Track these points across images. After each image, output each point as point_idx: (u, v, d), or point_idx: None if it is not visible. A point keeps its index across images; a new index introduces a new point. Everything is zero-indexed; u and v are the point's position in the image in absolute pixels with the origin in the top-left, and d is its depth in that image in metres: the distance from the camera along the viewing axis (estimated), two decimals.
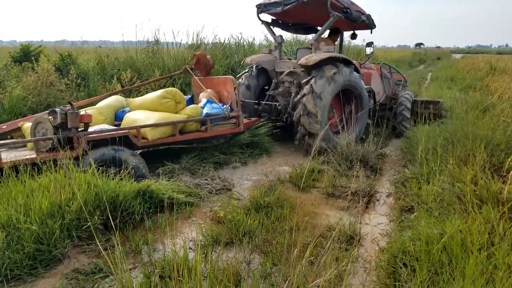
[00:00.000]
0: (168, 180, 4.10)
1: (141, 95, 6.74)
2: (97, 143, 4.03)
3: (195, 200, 3.95)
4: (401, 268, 2.52)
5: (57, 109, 3.89)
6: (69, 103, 4.12)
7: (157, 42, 9.11)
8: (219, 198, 4.08)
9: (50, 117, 3.91)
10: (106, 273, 2.60)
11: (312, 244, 2.56)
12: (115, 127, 4.52)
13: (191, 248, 3.10)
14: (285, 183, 4.63)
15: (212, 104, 5.31)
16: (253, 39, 12.64)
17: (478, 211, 2.69)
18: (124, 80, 7.64)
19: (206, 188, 4.29)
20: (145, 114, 4.78)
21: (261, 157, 5.70)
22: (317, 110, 5.47)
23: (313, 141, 5.53)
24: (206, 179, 4.51)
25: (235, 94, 5.40)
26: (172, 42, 9.36)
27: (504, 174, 3.45)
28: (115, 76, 7.80)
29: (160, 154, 5.15)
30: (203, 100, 5.39)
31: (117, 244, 2.22)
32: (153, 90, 7.76)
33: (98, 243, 2.35)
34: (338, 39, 7.42)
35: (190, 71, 6.00)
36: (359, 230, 3.35)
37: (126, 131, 4.31)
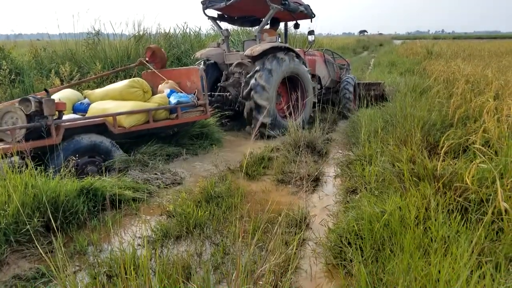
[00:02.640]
0: (116, 176, 3.99)
1: (82, 89, 6.45)
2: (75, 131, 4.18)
3: (143, 195, 3.85)
4: (346, 247, 2.61)
5: (31, 97, 3.88)
6: (45, 90, 4.15)
7: (97, 33, 8.69)
8: (169, 192, 4.01)
9: (22, 106, 3.89)
10: (49, 277, 2.48)
11: (260, 230, 2.62)
12: (91, 116, 4.58)
13: (140, 245, 3.02)
14: (236, 172, 4.64)
15: (178, 94, 5.44)
16: (199, 28, 12.41)
17: (416, 188, 2.85)
18: (63, 74, 7.24)
19: (156, 182, 4.20)
20: (116, 103, 4.83)
21: (212, 148, 5.65)
22: (266, 84, 5.92)
23: (261, 115, 5.98)
24: (155, 173, 4.41)
25: (202, 83, 5.52)
26: (113, 33, 8.97)
27: (440, 152, 3.66)
28: (53, 70, 7.36)
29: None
30: (167, 91, 5.47)
31: (59, 246, 2.12)
32: (96, 84, 7.44)
33: (39, 247, 2.23)
34: (282, 28, 7.87)
35: (146, 63, 5.96)
36: (308, 213, 3.43)
37: (104, 118, 4.41)
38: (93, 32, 8.62)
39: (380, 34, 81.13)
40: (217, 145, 5.76)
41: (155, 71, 5.82)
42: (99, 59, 8.05)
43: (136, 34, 9.15)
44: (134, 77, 5.56)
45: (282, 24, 8.12)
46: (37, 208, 2.96)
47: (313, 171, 4.34)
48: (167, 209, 3.53)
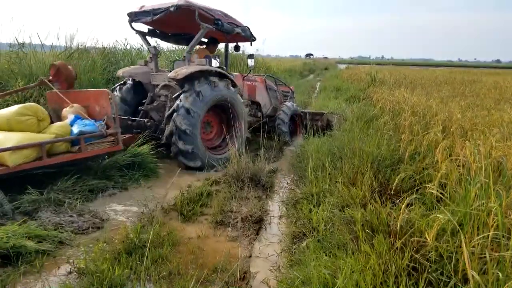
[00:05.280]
0: (19, 221, 3.29)
1: None
2: None
3: (52, 246, 3.17)
4: None
5: None
6: None
7: (22, 45, 7.75)
8: (85, 241, 3.35)
9: None
10: None
11: None
12: None
13: None
14: (169, 211, 4.07)
15: (83, 121, 4.63)
16: (142, 45, 11.73)
17: (370, 243, 2.48)
18: None
19: (70, 227, 3.52)
20: (1, 135, 3.93)
21: (145, 180, 5.03)
22: (187, 128, 5.26)
23: (188, 160, 5.41)
24: (71, 215, 3.72)
25: (112, 109, 4.79)
26: (42, 45, 8.07)
27: (392, 193, 3.37)
28: None
29: (24, 180, 4.19)
30: (70, 117, 4.65)
31: None
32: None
33: None
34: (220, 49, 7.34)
35: (49, 83, 5.09)
36: (248, 268, 2.96)
37: None
38: (17, 44, 7.66)
39: (325, 58, 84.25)
40: (151, 177, 5.15)
41: (58, 92, 4.95)
42: (22, 75, 7.15)
43: (68, 48, 8.32)
44: (34, 99, 4.73)
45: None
46: None
47: (256, 211, 3.90)
48: (77, 265, 2.88)
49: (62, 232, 3.39)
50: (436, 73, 24.26)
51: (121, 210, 4.12)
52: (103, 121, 4.77)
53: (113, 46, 10.50)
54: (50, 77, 5.16)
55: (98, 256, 2.95)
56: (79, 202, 4.01)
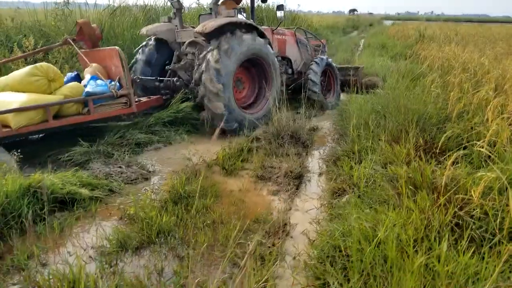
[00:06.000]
0: (75, 170, 3.53)
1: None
2: None
3: (103, 194, 3.39)
4: (330, 267, 2.23)
5: None
6: None
7: (67, 3, 7.96)
8: (134, 190, 3.55)
9: None
10: None
11: (233, 243, 2.27)
12: None
13: (91, 257, 2.60)
14: (212, 166, 4.20)
15: (97, 81, 4.54)
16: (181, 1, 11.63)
17: (412, 199, 2.46)
18: (27, 47, 6.58)
19: (119, 177, 3.74)
20: (10, 96, 3.95)
21: (188, 136, 5.19)
22: (219, 88, 4.89)
23: (221, 122, 4.94)
24: (120, 167, 3.94)
25: (123, 68, 4.63)
26: (86, 3, 8.24)
27: (437, 151, 3.29)
28: (16, 43, 6.69)
29: (76, 133, 4.44)
30: (87, 77, 4.62)
31: None
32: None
33: None
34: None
35: (72, 43, 4.98)
36: (288, 219, 3.05)
37: None
38: (63, 1, 7.87)
39: (370, 14, 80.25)
40: (193, 133, 5.30)
41: (78, 51, 4.89)
42: (68, 32, 7.37)
43: (110, 5, 8.44)
44: (61, 59, 4.61)
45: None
46: None
47: (296, 167, 3.93)
48: (128, 212, 3.08)
49: (112, 182, 3.63)
50: (491, 29, 22.48)
51: (166, 163, 4.30)
52: (117, 81, 4.64)
53: (154, 3, 10.53)
54: (75, 37, 5.08)
55: (147, 204, 3.12)
56: (127, 154, 4.22)
